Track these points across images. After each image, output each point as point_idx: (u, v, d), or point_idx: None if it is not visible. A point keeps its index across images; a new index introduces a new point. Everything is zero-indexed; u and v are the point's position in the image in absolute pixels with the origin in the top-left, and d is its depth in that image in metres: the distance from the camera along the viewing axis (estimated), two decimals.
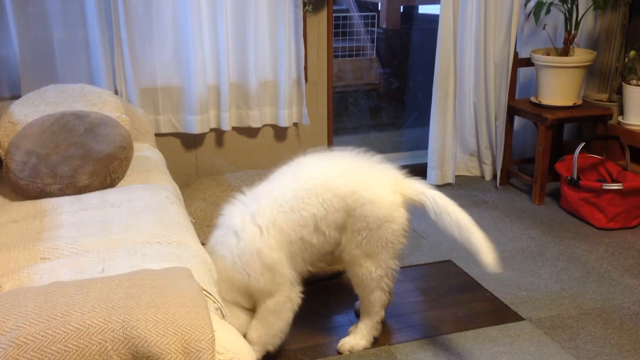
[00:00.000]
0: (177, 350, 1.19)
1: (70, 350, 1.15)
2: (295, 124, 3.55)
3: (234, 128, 3.45)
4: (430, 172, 3.87)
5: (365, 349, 2.29)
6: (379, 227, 2.11)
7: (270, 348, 2.18)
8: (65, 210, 2.09)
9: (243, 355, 1.30)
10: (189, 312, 1.26)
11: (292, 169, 2.21)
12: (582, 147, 3.35)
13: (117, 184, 2.37)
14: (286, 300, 2.13)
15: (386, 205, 2.11)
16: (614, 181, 3.38)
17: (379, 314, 2.29)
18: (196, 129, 3.29)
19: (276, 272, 2.09)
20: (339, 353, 2.28)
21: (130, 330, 1.19)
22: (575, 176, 3.32)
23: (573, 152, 3.37)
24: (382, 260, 2.17)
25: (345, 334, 2.36)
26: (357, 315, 2.45)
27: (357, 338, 2.30)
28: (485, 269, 2.06)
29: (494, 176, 3.92)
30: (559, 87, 3.51)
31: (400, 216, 2.15)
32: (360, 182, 2.12)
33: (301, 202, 2.09)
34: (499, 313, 2.53)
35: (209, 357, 1.21)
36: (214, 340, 1.24)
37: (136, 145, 2.73)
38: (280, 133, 3.56)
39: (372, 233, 2.12)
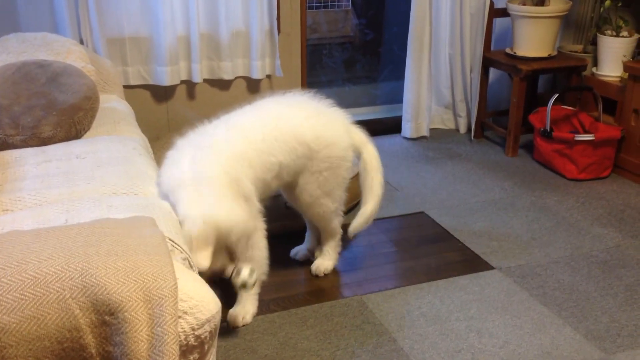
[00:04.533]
0: (138, 298, 1.17)
1: (26, 298, 1.13)
2: (268, 76, 3.49)
3: (205, 80, 3.38)
4: (405, 125, 3.85)
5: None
6: (338, 166, 2.25)
7: (263, 277, 2.22)
8: (29, 162, 2.04)
9: (207, 303, 1.29)
10: (150, 259, 1.23)
11: (255, 111, 2.20)
12: (556, 99, 3.35)
13: (82, 135, 2.31)
14: (258, 231, 2.14)
15: (344, 146, 2.26)
16: (586, 132, 3.39)
17: (339, 233, 2.46)
18: (166, 80, 3.22)
19: (251, 203, 2.07)
20: (315, 276, 2.45)
21: (89, 278, 1.16)
22: (548, 128, 3.32)
23: (547, 104, 3.36)
24: (337, 195, 2.32)
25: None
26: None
27: (326, 260, 2.47)
28: (348, 229, 2.36)
29: (469, 129, 3.91)
30: (534, 38, 3.48)
31: (352, 155, 2.33)
32: (322, 125, 2.21)
33: (270, 146, 2.10)
34: (470, 263, 2.56)
35: (171, 305, 1.19)
36: (176, 287, 1.22)
37: (103, 97, 2.65)
38: (253, 85, 3.50)
39: (332, 172, 2.24)
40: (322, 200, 2.28)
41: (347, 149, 2.26)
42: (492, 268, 2.51)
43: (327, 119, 2.23)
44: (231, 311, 2.19)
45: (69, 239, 1.24)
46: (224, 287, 2.15)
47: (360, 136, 2.32)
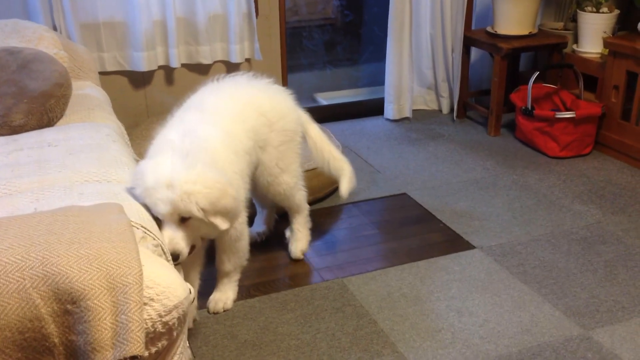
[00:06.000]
0: (101, 286, 1.15)
1: None
2: (247, 60, 3.45)
3: (183, 65, 3.33)
4: (387, 106, 3.83)
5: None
6: (292, 140, 2.27)
7: (245, 263, 2.21)
8: None
9: (174, 289, 1.27)
10: (114, 246, 1.21)
11: (210, 93, 2.17)
12: (537, 77, 3.33)
13: (55, 123, 2.27)
14: (243, 221, 2.11)
15: (295, 118, 2.29)
16: (567, 110, 3.38)
17: (306, 209, 2.46)
18: (143, 66, 3.17)
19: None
20: (296, 260, 2.45)
21: (51, 267, 1.14)
22: (529, 106, 3.31)
23: (528, 83, 3.35)
24: (294, 169, 2.32)
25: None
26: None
27: (299, 240, 2.47)
28: (339, 193, 2.43)
29: (451, 109, 3.90)
30: (514, 16, 3.46)
31: (301, 130, 2.34)
32: (274, 97, 2.25)
33: (240, 116, 2.10)
34: (451, 243, 2.56)
35: (136, 292, 1.17)
36: (141, 274, 1.20)
37: (78, 84, 2.61)
38: (232, 70, 3.45)
39: (287, 147, 2.26)
40: (280, 178, 2.28)
41: (298, 122, 2.30)
42: (473, 247, 2.51)
43: (276, 93, 2.28)
44: (211, 297, 2.18)
45: (31, 227, 1.22)
46: (202, 273, 2.14)
47: (304, 115, 2.38)
